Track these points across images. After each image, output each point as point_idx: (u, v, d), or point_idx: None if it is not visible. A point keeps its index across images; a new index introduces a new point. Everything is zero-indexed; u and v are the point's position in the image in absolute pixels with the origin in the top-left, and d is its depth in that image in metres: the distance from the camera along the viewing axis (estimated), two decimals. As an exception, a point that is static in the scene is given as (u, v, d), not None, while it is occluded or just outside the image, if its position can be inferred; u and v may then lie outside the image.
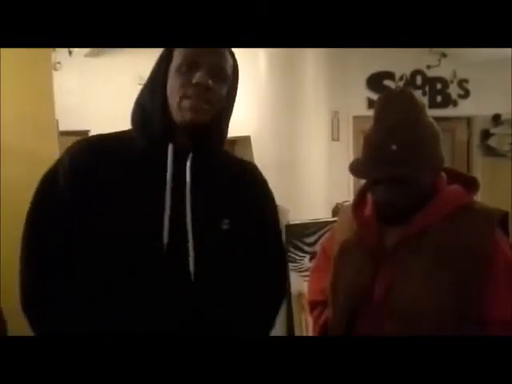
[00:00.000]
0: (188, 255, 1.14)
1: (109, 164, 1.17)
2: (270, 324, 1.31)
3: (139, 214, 1.14)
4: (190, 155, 1.20)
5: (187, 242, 1.15)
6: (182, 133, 1.19)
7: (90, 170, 1.16)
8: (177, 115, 1.17)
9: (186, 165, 1.18)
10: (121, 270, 1.14)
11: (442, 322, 1.23)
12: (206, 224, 1.18)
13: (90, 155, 1.18)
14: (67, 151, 1.21)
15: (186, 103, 1.15)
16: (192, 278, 1.15)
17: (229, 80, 1.22)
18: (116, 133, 1.27)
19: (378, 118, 1.32)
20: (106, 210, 1.14)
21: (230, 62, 1.22)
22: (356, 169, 1.35)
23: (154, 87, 1.20)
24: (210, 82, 1.16)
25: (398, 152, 1.26)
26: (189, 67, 1.16)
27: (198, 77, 1.14)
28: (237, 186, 1.27)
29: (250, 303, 1.24)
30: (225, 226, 1.20)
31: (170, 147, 1.18)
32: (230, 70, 1.21)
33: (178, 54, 1.17)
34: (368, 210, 1.42)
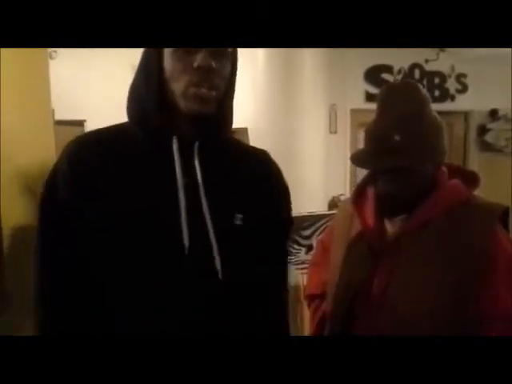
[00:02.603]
0: (211, 255, 1.07)
1: (109, 161, 1.09)
2: (278, 322, 1.27)
3: (151, 214, 1.06)
4: (196, 145, 1.10)
5: (208, 241, 1.07)
6: (186, 121, 1.09)
7: (89, 169, 1.08)
8: (180, 103, 1.07)
9: (193, 157, 1.10)
10: (142, 273, 1.06)
11: (441, 317, 1.23)
12: (223, 220, 1.10)
13: (87, 154, 1.10)
14: (64, 153, 1.13)
15: (191, 91, 1.05)
16: (220, 276, 1.08)
17: (230, 57, 1.12)
18: (112, 126, 1.18)
19: (381, 109, 1.31)
20: (115, 210, 1.05)
21: None
22: (358, 159, 1.34)
23: (149, 73, 1.09)
24: (212, 63, 1.05)
25: (400, 143, 1.25)
26: (186, 49, 1.05)
27: (198, 59, 1.03)
28: (251, 177, 1.19)
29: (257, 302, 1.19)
30: (238, 222, 1.12)
31: (175, 141, 1.09)
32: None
33: None
34: (368, 203, 1.41)
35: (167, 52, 1.07)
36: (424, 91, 1.34)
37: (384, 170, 1.29)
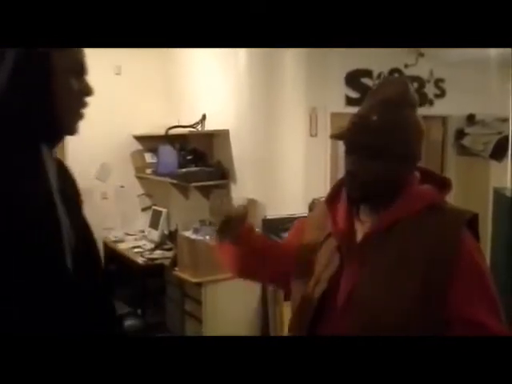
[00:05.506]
0: None
1: None
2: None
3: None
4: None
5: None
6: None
7: None
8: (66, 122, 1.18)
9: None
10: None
11: (405, 319, 1.23)
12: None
13: None
14: None
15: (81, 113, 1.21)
16: None
17: None
18: None
19: (370, 95, 1.37)
20: None
21: None
22: (337, 134, 1.37)
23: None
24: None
25: (378, 123, 1.29)
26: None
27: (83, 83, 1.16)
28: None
29: None
30: None
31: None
32: None
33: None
34: (341, 205, 1.43)
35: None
36: (413, 92, 1.37)
37: (355, 149, 1.31)
